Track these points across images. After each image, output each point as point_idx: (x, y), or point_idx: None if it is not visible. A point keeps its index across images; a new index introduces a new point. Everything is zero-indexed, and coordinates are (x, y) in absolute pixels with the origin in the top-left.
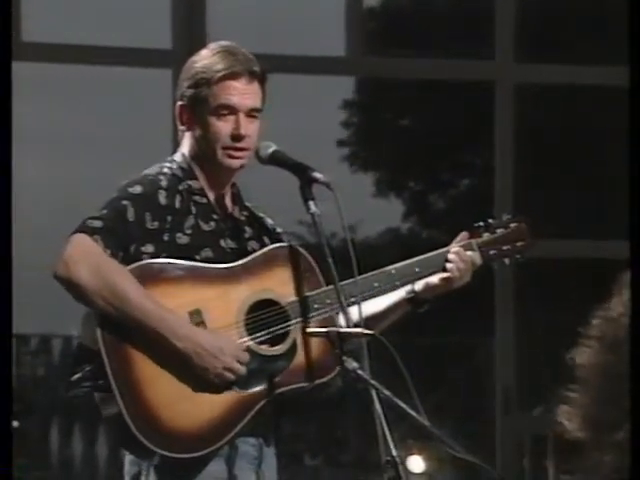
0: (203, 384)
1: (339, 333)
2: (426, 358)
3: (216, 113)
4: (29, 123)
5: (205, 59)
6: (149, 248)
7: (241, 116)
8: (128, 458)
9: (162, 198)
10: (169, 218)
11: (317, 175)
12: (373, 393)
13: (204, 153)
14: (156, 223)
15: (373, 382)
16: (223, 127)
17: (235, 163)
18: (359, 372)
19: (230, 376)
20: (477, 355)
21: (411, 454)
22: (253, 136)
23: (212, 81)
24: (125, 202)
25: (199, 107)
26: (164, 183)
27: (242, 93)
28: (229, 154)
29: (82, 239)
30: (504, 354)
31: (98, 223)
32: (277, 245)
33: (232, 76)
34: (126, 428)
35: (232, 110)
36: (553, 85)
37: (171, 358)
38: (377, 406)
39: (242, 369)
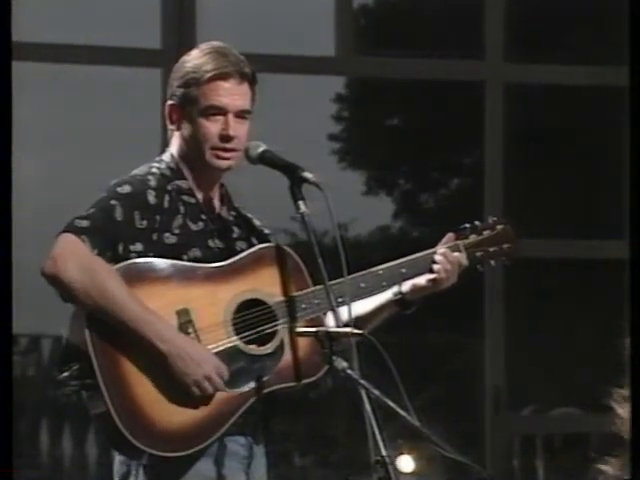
0: (180, 390)
1: (328, 333)
2: (415, 358)
3: (205, 113)
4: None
5: (196, 59)
6: (138, 247)
7: (230, 117)
8: (118, 458)
9: (151, 198)
10: (158, 218)
11: (307, 175)
12: (363, 393)
13: (193, 153)
14: (145, 222)
15: (362, 382)
16: (212, 127)
17: (223, 164)
18: (348, 372)
19: (208, 387)
20: (467, 355)
21: (401, 454)
22: (242, 137)
23: (202, 81)
24: (113, 202)
25: (189, 107)
26: (153, 183)
27: (232, 94)
28: (217, 154)
29: (69, 239)
30: (494, 354)
31: (85, 223)
32: (265, 245)
33: (222, 77)
34: (114, 427)
35: (221, 111)
36: (543, 85)
37: (154, 360)
38: (367, 406)
39: (220, 383)
